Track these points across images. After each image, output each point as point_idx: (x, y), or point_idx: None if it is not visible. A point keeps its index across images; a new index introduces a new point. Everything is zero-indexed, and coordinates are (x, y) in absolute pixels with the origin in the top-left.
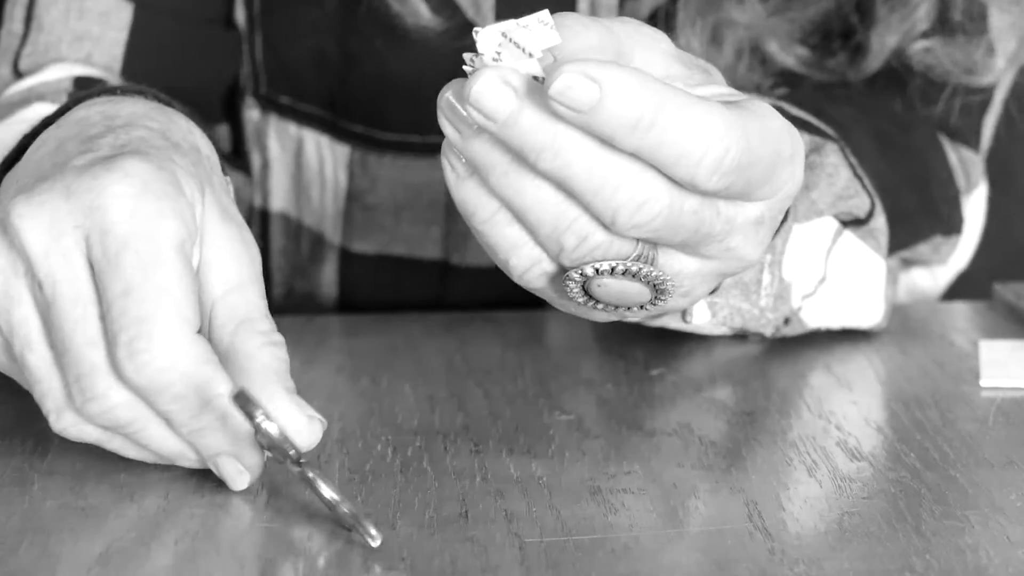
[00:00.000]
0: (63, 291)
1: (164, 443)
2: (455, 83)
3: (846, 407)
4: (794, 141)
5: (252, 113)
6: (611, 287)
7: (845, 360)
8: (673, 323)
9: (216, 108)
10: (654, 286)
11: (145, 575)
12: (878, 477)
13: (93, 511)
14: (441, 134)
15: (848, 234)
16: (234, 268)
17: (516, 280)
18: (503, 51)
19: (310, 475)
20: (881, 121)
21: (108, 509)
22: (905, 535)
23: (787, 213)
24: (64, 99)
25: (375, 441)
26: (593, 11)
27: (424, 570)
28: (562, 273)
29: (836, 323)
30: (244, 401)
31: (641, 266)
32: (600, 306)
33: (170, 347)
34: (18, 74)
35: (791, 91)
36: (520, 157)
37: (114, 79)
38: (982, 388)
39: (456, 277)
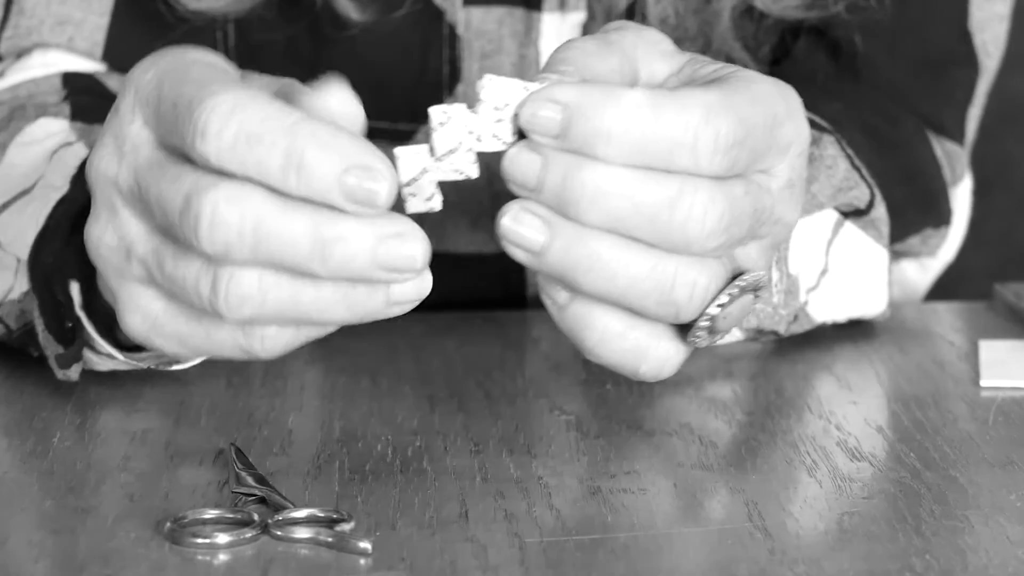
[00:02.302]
0: None
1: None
2: (507, 208)
3: (846, 407)
4: (787, 98)
5: None
6: (733, 313)
7: (845, 360)
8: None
9: None
10: (754, 289)
11: (145, 575)
12: (878, 477)
13: (93, 511)
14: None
15: (849, 225)
16: None
17: (652, 380)
18: (507, 106)
19: (279, 533)
20: (869, 115)
21: (108, 509)
22: (905, 535)
23: None
24: (60, 97)
25: (375, 441)
26: None
27: (424, 570)
28: (685, 337)
29: (841, 315)
30: None
31: (746, 278)
32: (719, 336)
33: None
34: None
35: None
36: (579, 218)
37: (97, 66)
38: (982, 388)
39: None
